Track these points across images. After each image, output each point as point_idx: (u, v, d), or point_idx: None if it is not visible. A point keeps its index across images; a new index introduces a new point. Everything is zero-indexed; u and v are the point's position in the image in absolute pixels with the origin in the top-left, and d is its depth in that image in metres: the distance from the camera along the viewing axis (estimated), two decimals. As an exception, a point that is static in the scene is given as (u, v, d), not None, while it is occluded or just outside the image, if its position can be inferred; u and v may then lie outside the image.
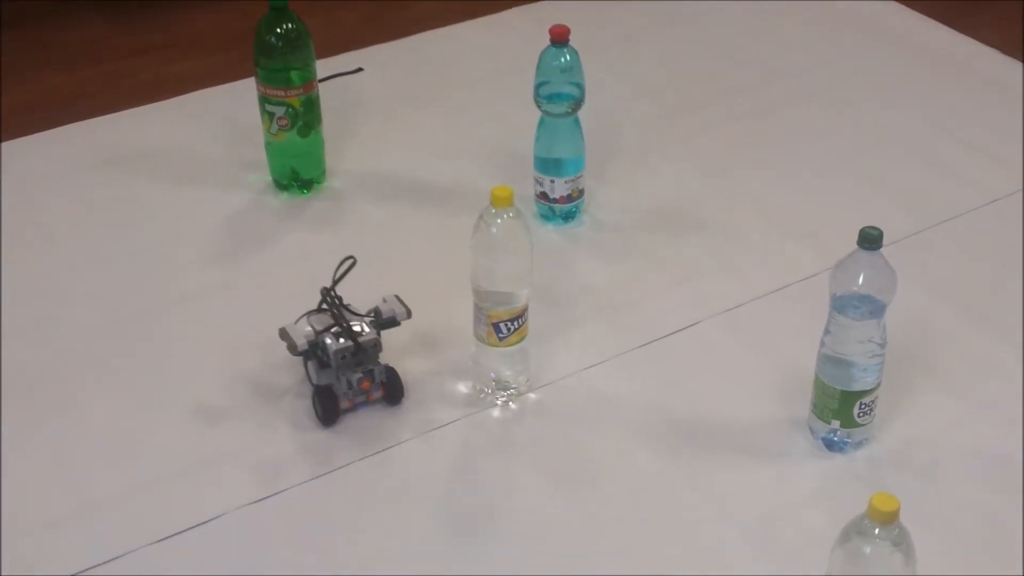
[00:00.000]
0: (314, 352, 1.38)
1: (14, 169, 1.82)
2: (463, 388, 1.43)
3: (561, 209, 1.68)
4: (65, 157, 1.86)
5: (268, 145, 1.74)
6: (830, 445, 1.35)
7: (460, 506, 1.32)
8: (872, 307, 1.28)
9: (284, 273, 1.62)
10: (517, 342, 1.39)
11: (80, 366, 1.49)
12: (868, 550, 1.04)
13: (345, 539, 1.28)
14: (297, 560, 1.26)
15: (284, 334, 1.38)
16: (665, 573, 1.24)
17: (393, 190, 1.78)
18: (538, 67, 1.62)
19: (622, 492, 1.33)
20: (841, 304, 1.28)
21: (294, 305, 1.41)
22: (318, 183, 1.77)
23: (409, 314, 1.40)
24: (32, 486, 1.33)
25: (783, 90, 2.00)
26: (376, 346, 1.37)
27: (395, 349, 1.42)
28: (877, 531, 1.03)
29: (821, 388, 1.32)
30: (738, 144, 1.88)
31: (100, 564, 1.25)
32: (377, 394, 1.40)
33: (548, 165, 1.66)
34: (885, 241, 1.25)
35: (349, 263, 1.39)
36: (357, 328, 1.37)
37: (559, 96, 1.62)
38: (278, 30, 1.65)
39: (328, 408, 1.38)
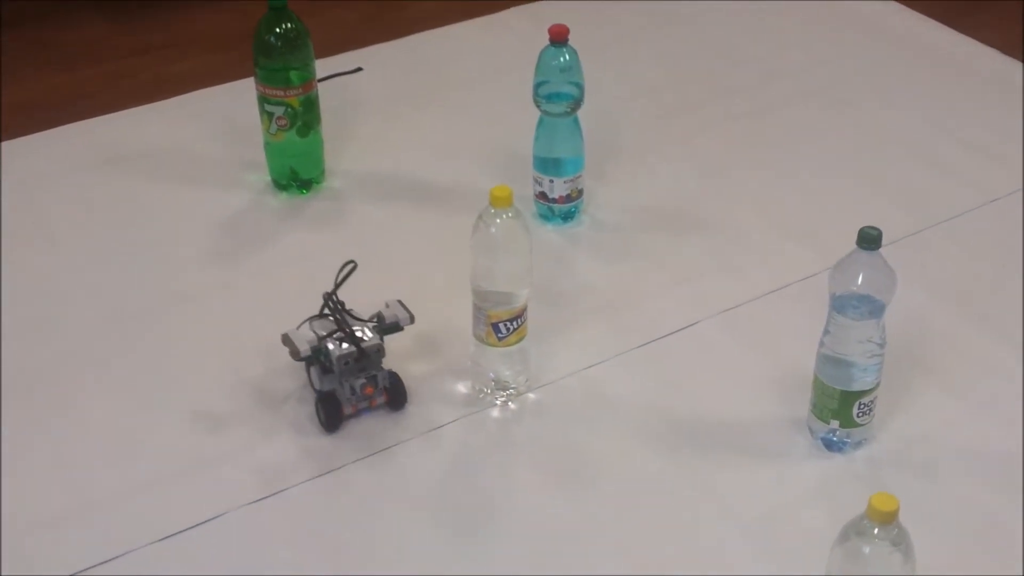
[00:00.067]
0: (317, 358, 1.37)
1: (14, 169, 1.82)
2: (462, 388, 1.43)
3: (560, 209, 1.68)
4: (65, 157, 1.86)
5: (267, 145, 1.74)
6: (829, 445, 1.35)
7: (460, 506, 1.32)
8: (871, 307, 1.28)
9: (283, 273, 1.62)
10: (516, 342, 1.39)
11: (80, 366, 1.49)
12: (867, 550, 1.04)
13: (345, 539, 1.28)
14: (297, 560, 1.26)
15: (286, 339, 1.37)
16: (665, 573, 1.24)
17: (392, 190, 1.78)
18: (537, 67, 1.62)
19: (622, 492, 1.33)
20: (840, 304, 1.28)
21: (293, 305, 1.41)
22: (317, 183, 1.77)
23: (412, 319, 1.40)
24: (32, 486, 1.33)
25: (782, 90, 2.00)
26: (379, 351, 1.37)
27: (396, 353, 1.41)
28: (876, 531, 1.03)
29: (820, 388, 1.32)
30: (737, 144, 1.88)
31: (100, 564, 1.25)
32: (380, 400, 1.39)
33: (547, 165, 1.66)
34: (884, 241, 1.25)
35: (350, 268, 1.38)
36: (360, 333, 1.37)
37: (558, 96, 1.62)
38: (277, 30, 1.65)
39: (331, 414, 1.37)
